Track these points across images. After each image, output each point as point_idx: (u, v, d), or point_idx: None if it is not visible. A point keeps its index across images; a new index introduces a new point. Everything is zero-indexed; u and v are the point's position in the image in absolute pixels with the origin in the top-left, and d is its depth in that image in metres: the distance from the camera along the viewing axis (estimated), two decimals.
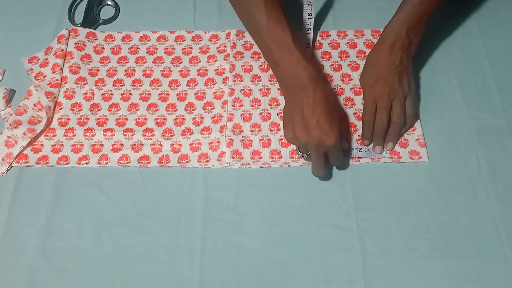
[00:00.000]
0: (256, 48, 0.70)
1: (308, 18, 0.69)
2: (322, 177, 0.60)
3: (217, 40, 0.71)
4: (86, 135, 0.64)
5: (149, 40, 0.72)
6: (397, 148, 0.62)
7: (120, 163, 0.62)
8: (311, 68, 0.58)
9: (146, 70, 0.69)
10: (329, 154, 0.58)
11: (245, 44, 0.70)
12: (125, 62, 0.70)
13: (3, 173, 0.61)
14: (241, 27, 0.67)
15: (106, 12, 0.76)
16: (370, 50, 0.64)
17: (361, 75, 0.65)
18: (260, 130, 0.64)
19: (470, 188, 0.59)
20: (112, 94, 0.67)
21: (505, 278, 0.54)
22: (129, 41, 0.72)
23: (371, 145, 0.62)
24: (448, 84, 0.67)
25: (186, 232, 0.57)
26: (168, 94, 0.67)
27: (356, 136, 0.63)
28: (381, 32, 0.64)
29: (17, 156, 0.62)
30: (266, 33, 0.58)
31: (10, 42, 0.72)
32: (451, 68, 0.68)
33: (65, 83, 0.68)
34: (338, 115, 0.62)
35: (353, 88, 0.67)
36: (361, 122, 0.63)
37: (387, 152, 0.62)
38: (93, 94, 0.67)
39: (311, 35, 0.69)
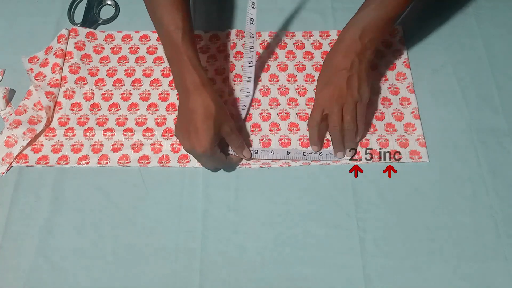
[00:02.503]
0: (255, 48, 0.69)
1: (251, 24, 0.64)
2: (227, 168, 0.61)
3: (217, 40, 0.71)
4: (86, 135, 0.64)
5: (149, 40, 0.72)
6: (397, 148, 0.62)
7: (120, 163, 0.62)
8: (196, 74, 0.55)
9: (146, 70, 0.69)
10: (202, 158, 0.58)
11: (245, 44, 0.70)
12: (125, 62, 0.70)
13: (3, 173, 0.61)
14: (241, 27, 0.66)
15: (106, 12, 0.76)
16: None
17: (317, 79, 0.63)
18: (260, 130, 0.64)
19: (470, 188, 0.59)
20: (112, 94, 0.67)
21: (505, 278, 0.54)
22: (129, 41, 0.72)
23: (331, 148, 0.61)
24: (448, 84, 0.67)
25: (186, 232, 0.57)
26: (168, 94, 0.67)
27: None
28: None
29: (17, 156, 0.62)
30: (160, 30, 0.57)
31: (10, 42, 0.72)
32: (451, 68, 0.68)
33: (65, 83, 0.68)
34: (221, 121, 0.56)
35: None
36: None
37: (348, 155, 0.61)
38: (93, 94, 0.67)
39: (254, 39, 0.65)
